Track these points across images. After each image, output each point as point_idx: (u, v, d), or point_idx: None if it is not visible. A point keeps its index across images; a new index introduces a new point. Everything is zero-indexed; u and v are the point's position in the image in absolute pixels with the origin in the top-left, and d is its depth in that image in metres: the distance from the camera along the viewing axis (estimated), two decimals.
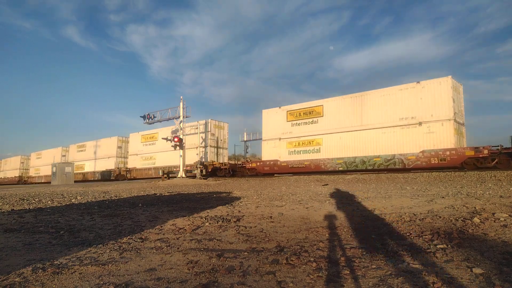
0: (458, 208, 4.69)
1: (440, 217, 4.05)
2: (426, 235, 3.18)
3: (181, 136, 21.83)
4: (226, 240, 3.36)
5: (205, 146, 25.24)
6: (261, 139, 23.36)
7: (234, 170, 23.70)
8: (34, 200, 9.09)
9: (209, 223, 4.31)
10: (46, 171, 38.88)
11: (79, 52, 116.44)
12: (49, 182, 34.82)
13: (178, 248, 3.04)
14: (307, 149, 19.94)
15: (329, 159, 18.79)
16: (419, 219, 3.97)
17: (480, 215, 3.96)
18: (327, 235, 3.46)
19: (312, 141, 19.79)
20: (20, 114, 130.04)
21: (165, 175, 23.89)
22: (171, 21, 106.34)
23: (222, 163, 24.69)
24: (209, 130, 25.41)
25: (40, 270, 2.42)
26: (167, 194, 10.15)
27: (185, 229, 3.95)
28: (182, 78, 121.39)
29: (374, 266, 2.36)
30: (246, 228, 3.96)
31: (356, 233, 3.47)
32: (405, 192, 7.51)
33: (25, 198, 9.74)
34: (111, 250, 3.04)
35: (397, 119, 16.69)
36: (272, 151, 21.51)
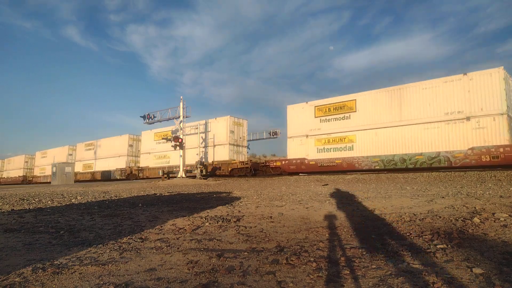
0: (458, 208, 4.69)
1: (440, 217, 4.05)
2: (426, 235, 3.18)
3: (181, 136, 21.84)
4: (226, 240, 3.35)
5: (205, 146, 25.21)
6: (262, 138, 23.13)
7: (256, 169, 22.38)
8: (34, 200, 9.09)
9: (209, 223, 4.31)
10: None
11: (79, 52, 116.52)
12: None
13: (178, 248, 3.04)
14: (338, 147, 18.70)
15: (364, 157, 17.55)
16: (419, 219, 3.97)
17: (480, 215, 3.96)
18: (327, 235, 3.46)
19: (344, 138, 18.54)
20: (20, 114, 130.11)
21: (165, 175, 23.90)
22: (171, 21, 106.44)
23: (243, 161, 23.15)
24: (228, 127, 24.10)
25: (40, 270, 2.42)
26: (167, 194, 10.15)
27: (185, 229, 3.95)
28: (182, 78, 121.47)
29: (374, 266, 2.36)
30: (246, 228, 3.96)
31: (356, 233, 3.47)
32: (405, 192, 7.51)
33: (25, 198, 9.74)
34: (111, 250, 3.04)
35: (442, 114, 15.50)
36: (298, 148, 20.24)
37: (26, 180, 44.32)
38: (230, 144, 24.07)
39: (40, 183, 39.51)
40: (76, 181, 35.37)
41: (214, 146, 24.56)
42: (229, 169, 22.78)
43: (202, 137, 25.07)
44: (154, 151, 28.87)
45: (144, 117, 24.30)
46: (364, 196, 6.86)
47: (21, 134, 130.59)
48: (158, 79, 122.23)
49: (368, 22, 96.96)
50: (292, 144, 20.70)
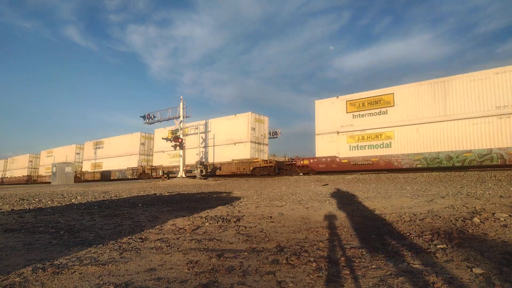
0: (458, 208, 4.69)
1: (440, 217, 4.05)
2: (426, 235, 3.18)
3: (181, 136, 21.84)
4: (226, 240, 3.35)
5: (205, 146, 25.19)
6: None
7: (280, 169, 21.19)
8: (34, 200, 9.09)
9: (209, 223, 4.31)
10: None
11: (79, 52, 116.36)
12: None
13: (178, 248, 3.04)
14: (374, 144, 17.34)
15: (403, 155, 16.25)
16: (419, 219, 3.97)
17: (480, 215, 3.96)
18: (327, 235, 3.46)
19: (381, 135, 17.15)
20: (20, 114, 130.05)
21: (165, 175, 23.90)
22: (171, 21, 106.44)
23: (266, 160, 21.67)
24: (249, 124, 22.72)
25: (40, 270, 2.42)
26: (167, 194, 10.15)
27: (185, 229, 3.95)
28: (182, 78, 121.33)
29: (374, 266, 2.36)
30: (246, 228, 3.96)
31: (356, 233, 3.47)
32: (405, 192, 7.52)
33: (25, 198, 9.74)
34: (111, 250, 3.04)
35: (493, 108, 14.29)
36: (328, 146, 18.84)
37: (31, 180, 42.94)
38: (251, 142, 22.62)
39: (47, 182, 38.28)
40: (84, 180, 34.50)
41: (235, 144, 23.17)
42: (251, 168, 21.52)
43: (202, 137, 25.04)
44: (169, 150, 26.69)
45: (144, 117, 24.33)
46: (364, 196, 6.86)
47: (21, 134, 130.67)
48: (158, 79, 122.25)
49: (368, 22, 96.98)
50: (321, 142, 19.23)
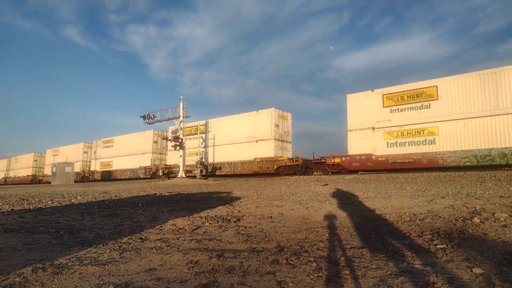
0: (458, 208, 4.69)
1: (440, 217, 4.05)
2: (426, 235, 3.18)
3: (181, 136, 21.85)
4: (226, 240, 3.35)
5: (205, 146, 25.19)
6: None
7: (307, 167, 19.90)
8: (34, 200, 9.09)
9: (209, 223, 4.30)
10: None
11: (79, 52, 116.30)
12: (72, 182, 33.50)
13: (178, 248, 3.04)
14: (415, 140, 16.18)
15: (449, 152, 15.15)
16: (419, 219, 3.97)
17: (480, 215, 3.96)
18: (327, 235, 3.46)
19: (423, 130, 16.02)
20: (20, 114, 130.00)
21: (165, 175, 23.91)
22: (171, 21, 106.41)
23: (292, 158, 20.46)
24: (273, 120, 21.50)
25: (40, 270, 2.42)
26: (167, 194, 10.15)
27: (185, 229, 3.95)
28: (182, 78, 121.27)
29: (374, 266, 2.36)
30: (246, 228, 3.96)
31: (356, 233, 3.47)
32: (405, 192, 7.52)
33: (25, 198, 9.74)
34: (111, 250, 3.04)
35: None
36: (362, 143, 17.68)
37: (35, 180, 41.50)
38: (275, 139, 21.48)
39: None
40: (93, 180, 33.45)
41: (257, 141, 22.16)
42: (275, 167, 20.53)
43: (202, 137, 25.04)
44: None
45: (144, 117, 24.35)
46: (364, 196, 6.86)
47: (21, 134, 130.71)
48: (158, 79, 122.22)
49: (368, 22, 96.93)
50: (354, 138, 17.99)
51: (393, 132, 16.97)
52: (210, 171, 23.96)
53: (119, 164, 32.69)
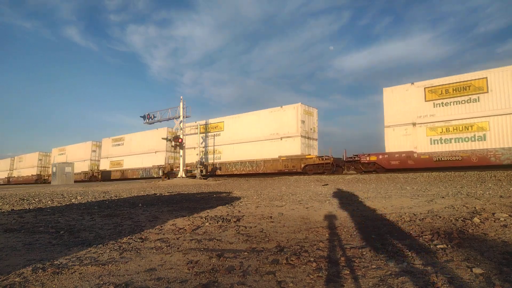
0: (458, 208, 4.69)
1: (440, 217, 4.05)
2: (426, 235, 3.18)
3: (181, 136, 21.85)
4: (226, 240, 3.35)
5: (205, 146, 25.18)
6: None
7: (338, 166, 18.76)
8: (34, 200, 9.09)
9: (209, 223, 4.31)
10: (75, 168, 33.01)
11: (79, 52, 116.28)
12: (81, 181, 32.52)
13: (178, 248, 3.04)
14: (462, 137, 15.04)
15: (503, 149, 13.96)
16: (419, 219, 3.97)
17: (480, 215, 3.96)
18: (327, 235, 3.46)
19: (471, 126, 14.88)
20: (20, 114, 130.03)
21: (165, 175, 23.90)
22: (171, 21, 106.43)
23: (321, 156, 19.12)
24: (298, 116, 20.25)
25: (40, 270, 2.42)
26: (167, 194, 10.15)
27: (185, 229, 3.95)
28: (182, 78, 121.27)
29: (374, 266, 2.36)
30: (246, 228, 3.96)
31: (356, 233, 3.47)
32: (405, 192, 7.52)
33: (25, 198, 9.74)
34: (111, 250, 3.04)
35: None
36: (402, 140, 16.48)
37: (41, 179, 39.81)
38: (301, 136, 20.14)
39: None
40: (103, 179, 32.44)
41: (281, 138, 20.92)
42: (302, 166, 19.31)
43: (201, 137, 25.03)
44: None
45: (144, 117, 24.37)
46: (364, 196, 6.87)
47: (21, 134, 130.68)
48: (158, 79, 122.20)
49: (368, 22, 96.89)
50: (392, 135, 16.76)
51: (437, 128, 15.75)
52: (214, 170, 23.67)
53: (130, 163, 31.52)
